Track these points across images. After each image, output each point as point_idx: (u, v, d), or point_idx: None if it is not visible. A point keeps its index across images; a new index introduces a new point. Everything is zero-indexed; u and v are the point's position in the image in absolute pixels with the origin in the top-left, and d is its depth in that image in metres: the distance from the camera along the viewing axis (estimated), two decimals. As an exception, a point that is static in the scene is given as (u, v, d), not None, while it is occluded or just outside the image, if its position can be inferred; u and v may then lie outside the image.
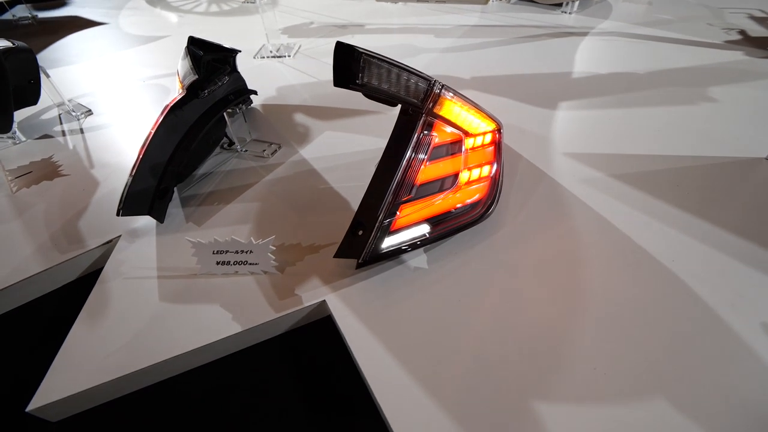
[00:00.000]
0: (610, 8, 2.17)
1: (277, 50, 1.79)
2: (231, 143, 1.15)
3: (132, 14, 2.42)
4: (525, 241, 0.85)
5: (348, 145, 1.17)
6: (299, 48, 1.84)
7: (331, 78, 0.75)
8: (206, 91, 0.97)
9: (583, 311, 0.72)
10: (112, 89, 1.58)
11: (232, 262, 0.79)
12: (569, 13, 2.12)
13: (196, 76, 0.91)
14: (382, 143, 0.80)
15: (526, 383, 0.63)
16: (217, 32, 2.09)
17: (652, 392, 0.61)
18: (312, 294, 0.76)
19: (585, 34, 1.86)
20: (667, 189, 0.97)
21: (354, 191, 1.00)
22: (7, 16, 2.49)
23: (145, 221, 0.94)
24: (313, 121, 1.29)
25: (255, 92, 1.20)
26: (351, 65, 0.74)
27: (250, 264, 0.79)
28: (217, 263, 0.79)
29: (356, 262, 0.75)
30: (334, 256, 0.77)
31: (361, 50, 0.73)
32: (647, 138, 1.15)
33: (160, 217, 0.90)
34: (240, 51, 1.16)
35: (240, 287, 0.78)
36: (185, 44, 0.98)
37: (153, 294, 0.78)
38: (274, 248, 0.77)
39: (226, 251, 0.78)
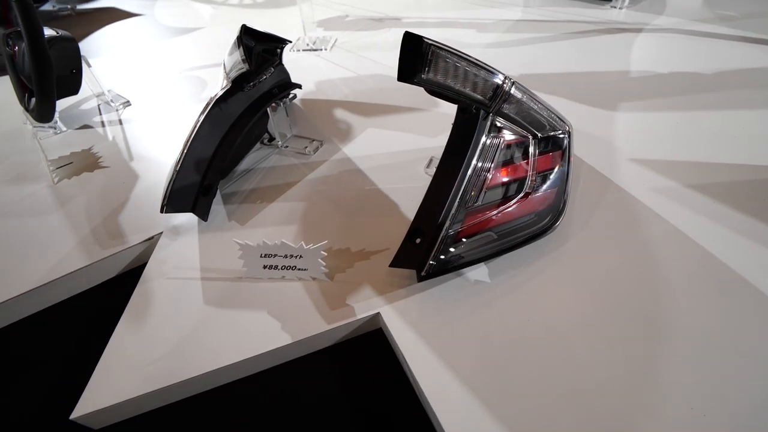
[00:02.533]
0: (663, 3, 2.03)
1: (314, 43, 1.74)
2: (272, 139, 1.11)
3: (167, 6, 2.42)
4: (595, 256, 0.77)
5: (392, 144, 1.11)
6: (335, 41, 1.78)
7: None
8: (252, 84, 0.93)
9: (669, 341, 0.64)
10: (149, 80, 1.56)
11: (279, 267, 0.74)
12: (619, 8, 1.99)
13: (247, 67, 0.87)
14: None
15: (612, 418, 0.56)
16: (251, 25, 2.05)
17: (760, 440, 0.53)
18: (365, 305, 0.71)
19: (639, 30, 1.74)
20: (752, 202, 0.87)
21: (403, 194, 0.94)
22: (48, 6, 2.53)
23: (186, 217, 0.90)
24: (354, 118, 1.24)
25: (299, 86, 1.15)
26: (417, 58, 0.67)
27: (299, 269, 0.74)
28: (264, 267, 0.74)
29: (417, 274, 0.69)
30: (390, 265, 0.71)
31: (429, 41, 0.66)
32: (721, 145, 1.04)
33: (203, 215, 0.86)
34: (291, 41, 1.10)
35: (288, 294, 0.73)
36: (237, 34, 0.93)
37: (197, 297, 0.74)
38: (325, 254, 0.72)
39: (275, 255, 0.73)
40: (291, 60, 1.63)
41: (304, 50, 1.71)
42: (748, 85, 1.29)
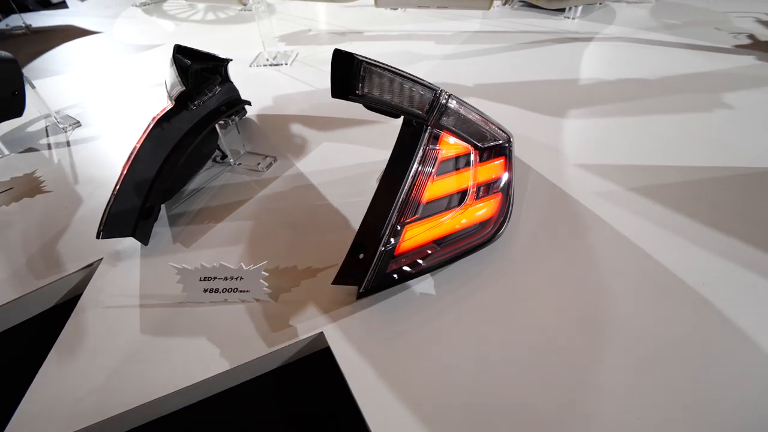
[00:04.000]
0: (613, 13, 2.12)
1: (274, 58, 1.74)
2: (224, 156, 1.09)
3: (127, 23, 2.37)
4: (540, 262, 0.78)
5: (347, 158, 1.11)
6: (296, 56, 1.79)
7: (330, 86, 0.69)
8: (196, 103, 0.91)
9: (609, 343, 0.65)
10: (104, 100, 1.52)
11: (220, 290, 0.72)
12: (572, 18, 2.07)
13: (182, 87, 0.85)
14: (384, 155, 0.75)
15: (552, 429, 0.56)
16: (214, 41, 2.04)
17: (692, 439, 0.54)
18: (308, 325, 0.69)
19: (589, 39, 1.81)
20: (689, 203, 0.90)
21: (354, 208, 0.93)
22: (1, 25, 2.45)
23: (130, 242, 0.87)
24: (310, 132, 1.23)
25: (249, 103, 1.14)
26: (350, 75, 0.68)
27: (241, 291, 0.72)
28: (205, 290, 0.72)
29: (357, 291, 0.68)
30: (333, 283, 0.70)
31: (361, 58, 0.67)
32: (662, 148, 1.09)
33: (144, 239, 0.83)
34: (231, 60, 1.10)
35: (229, 318, 0.71)
36: (171, 53, 0.92)
37: (134, 326, 0.71)
38: (267, 274, 0.71)
39: (215, 278, 0.71)
40: (250, 75, 1.62)
41: (264, 66, 1.71)
42: (685, 89, 1.36)
